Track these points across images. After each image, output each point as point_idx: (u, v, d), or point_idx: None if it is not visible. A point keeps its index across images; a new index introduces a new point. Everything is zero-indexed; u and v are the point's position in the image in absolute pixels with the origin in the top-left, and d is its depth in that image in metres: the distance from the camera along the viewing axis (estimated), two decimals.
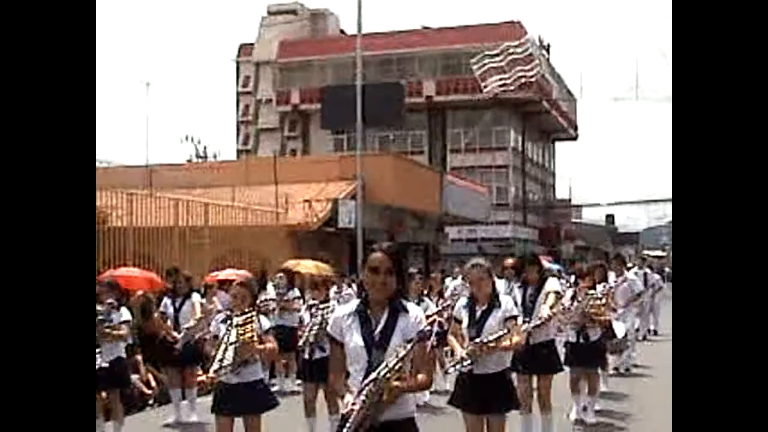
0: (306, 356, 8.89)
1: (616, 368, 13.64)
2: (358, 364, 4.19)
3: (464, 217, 38.09)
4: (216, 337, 7.16)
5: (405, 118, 31.13)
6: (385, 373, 3.98)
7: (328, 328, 4.52)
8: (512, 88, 46.81)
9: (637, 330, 15.45)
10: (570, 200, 68.06)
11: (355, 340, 4.24)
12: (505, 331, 6.24)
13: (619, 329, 11.90)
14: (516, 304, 7.98)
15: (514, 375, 7.24)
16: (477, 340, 6.23)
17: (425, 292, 11.60)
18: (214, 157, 53.04)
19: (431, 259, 34.45)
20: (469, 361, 6.29)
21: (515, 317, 6.48)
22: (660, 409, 10.66)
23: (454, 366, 6.50)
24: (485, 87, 46.77)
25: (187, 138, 57.87)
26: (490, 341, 6.17)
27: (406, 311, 4.27)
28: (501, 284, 9.88)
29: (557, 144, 69.71)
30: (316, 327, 8.59)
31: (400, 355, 4.03)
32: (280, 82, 57.20)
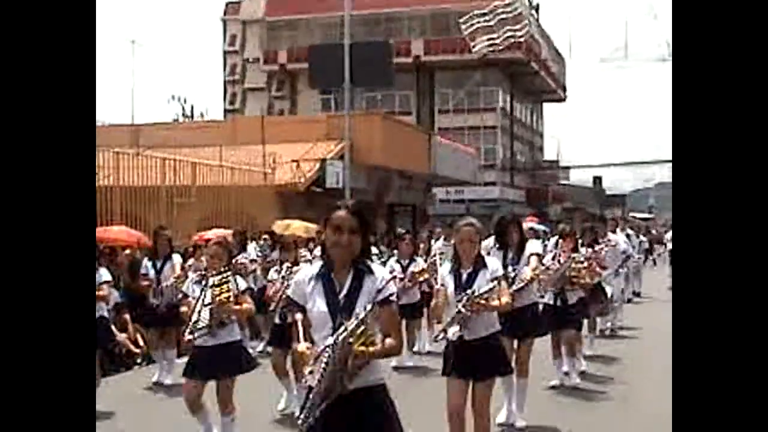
0: (277, 320, 8.74)
1: (602, 330, 13.57)
2: (323, 330, 3.93)
3: (452, 178, 38.08)
4: (186, 296, 7.05)
5: (393, 77, 30.91)
6: (345, 337, 3.69)
7: (289, 292, 4.29)
8: (501, 48, 46.61)
9: (622, 292, 15.44)
10: (558, 162, 68.14)
11: (318, 305, 3.99)
12: (495, 284, 5.97)
13: (608, 291, 11.83)
14: None
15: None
16: (468, 292, 5.91)
17: (415, 252, 11.63)
18: (201, 116, 52.83)
19: (419, 220, 34.47)
20: (458, 328, 6.01)
21: (503, 277, 6.22)
22: (645, 371, 10.83)
23: (444, 331, 6.17)
24: (474, 47, 46.55)
25: (173, 97, 57.67)
26: (482, 295, 5.88)
27: (372, 273, 4.03)
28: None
29: (545, 105, 69.63)
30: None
31: (360, 317, 3.76)
32: (267, 42, 56.74)
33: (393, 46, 33.32)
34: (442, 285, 6.20)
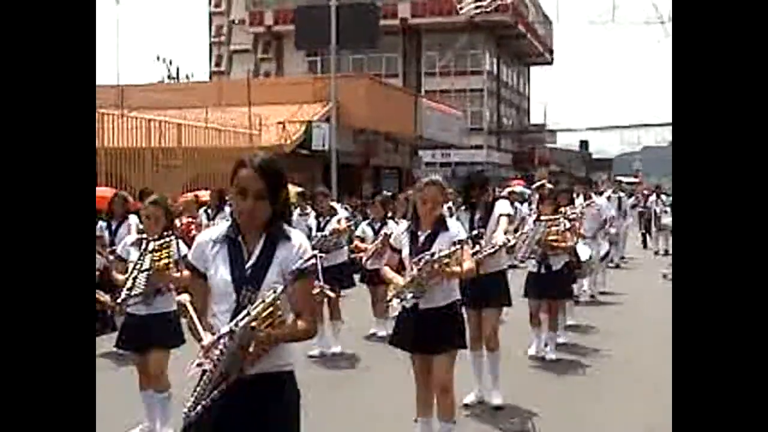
0: None
1: (576, 296, 12.54)
2: (224, 303, 3.41)
3: (439, 141, 38.08)
4: (122, 260, 6.39)
5: (380, 39, 30.78)
6: (247, 323, 3.15)
7: (189, 255, 3.66)
8: (488, 10, 46.31)
9: (606, 256, 14.68)
10: (544, 125, 68.07)
11: (221, 273, 3.42)
12: (457, 248, 5.30)
13: (583, 253, 11.21)
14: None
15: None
16: (425, 255, 5.26)
17: (389, 214, 11.00)
18: (187, 78, 52.34)
19: (405, 182, 34.51)
20: (412, 293, 5.36)
21: (465, 241, 5.47)
22: (625, 339, 10.49)
23: (397, 297, 5.48)
24: (461, 9, 46.24)
25: (158, 58, 57.08)
26: (441, 259, 5.21)
27: (288, 239, 3.45)
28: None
29: (532, 68, 69.44)
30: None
31: (268, 300, 3.21)
32: (253, 3, 56.26)
33: (380, 8, 33.13)
34: (395, 249, 5.69)
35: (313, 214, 10.42)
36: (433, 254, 5.24)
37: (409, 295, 5.36)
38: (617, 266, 18.69)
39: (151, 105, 21.14)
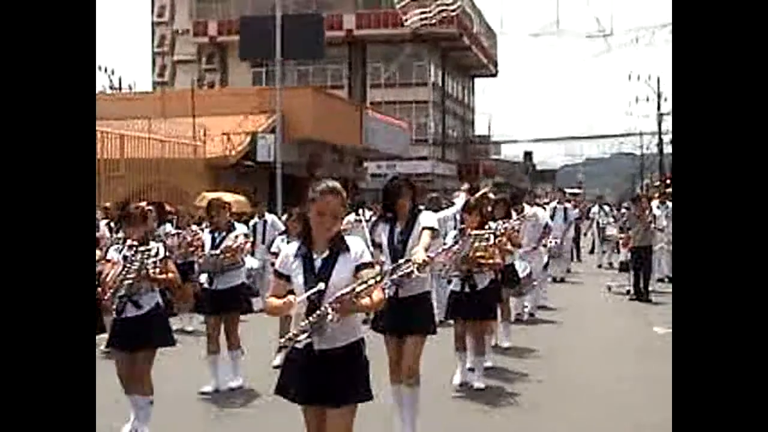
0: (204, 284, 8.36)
1: (518, 314, 12.44)
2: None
3: (384, 152, 38.14)
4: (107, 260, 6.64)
5: (325, 51, 30.73)
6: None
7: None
8: (433, 22, 46.58)
9: (545, 268, 14.15)
10: (489, 137, 68.59)
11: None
12: (366, 281, 4.25)
13: (522, 268, 10.77)
14: (378, 246, 6.72)
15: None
16: (337, 295, 4.20)
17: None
18: (129, 88, 51.71)
19: (350, 194, 34.46)
20: (308, 333, 4.25)
21: (370, 264, 4.46)
22: (564, 364, 9.71)
23: (291, 341, 4.31)
24: (406, 21, 46.43)
25: (100, 68, 56.03)
26: (345, 295, 4.20)
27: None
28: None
29: (477, 80, 69.95)
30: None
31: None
32: (196, 13, 55.82)
33: (325, 19, 33.10)
34: (281, 275, 4.53)
35: (208, 228, 8.86)
36: (353, 288, 4.20)
37: (303, 335, 4.25)
38: (562, 280, 18.58)
39: None
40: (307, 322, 4.22)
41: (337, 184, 4.49)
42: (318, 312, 4.20)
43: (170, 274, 6.59)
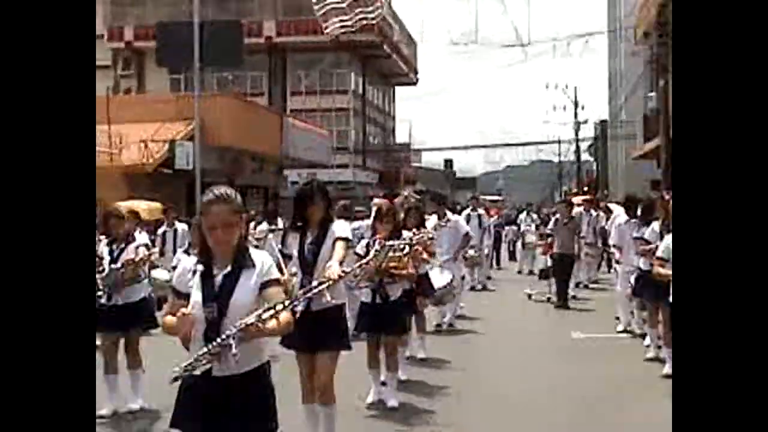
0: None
1: (438, 325, 12.34)
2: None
3: (305, 159, 37.98)
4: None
5: (245, 58, 30.47)
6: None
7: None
8: (353, 30, 46.58)
9: (463, 278, 14.03)
10: (409, 144, 68.96)
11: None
12: (274, 306, 3.85)
13: (441, 278, 10.44)
14: (288, 257, 6.40)
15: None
16: (241, 324, 3.79)
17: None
18: None
19: (270, 202, 34.22)
20: (206, 361, 3.84)
21: (276, 281, 4.07)
22: (483, 375, 9.57)
23: (188, 370, 3.92)
24: (326, 28, 46.36)
25: None
26: (250, 325, 3.79)
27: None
28: None
29: (397, 88, 70.27)
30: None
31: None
32: (112, 17, 54.82)
33: (244, 26, 32.84)
34: (179, 293, 4.13)
35: (104, 240, 8.15)
36: (259, 315, 3.80)
37: (201, 363, 3.84)
38: (483, 287, 18.66)
39: None
40: (206, 350, 3.80)
41: (227, 190, 4.02)
42: (219, 340, 3.76)
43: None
